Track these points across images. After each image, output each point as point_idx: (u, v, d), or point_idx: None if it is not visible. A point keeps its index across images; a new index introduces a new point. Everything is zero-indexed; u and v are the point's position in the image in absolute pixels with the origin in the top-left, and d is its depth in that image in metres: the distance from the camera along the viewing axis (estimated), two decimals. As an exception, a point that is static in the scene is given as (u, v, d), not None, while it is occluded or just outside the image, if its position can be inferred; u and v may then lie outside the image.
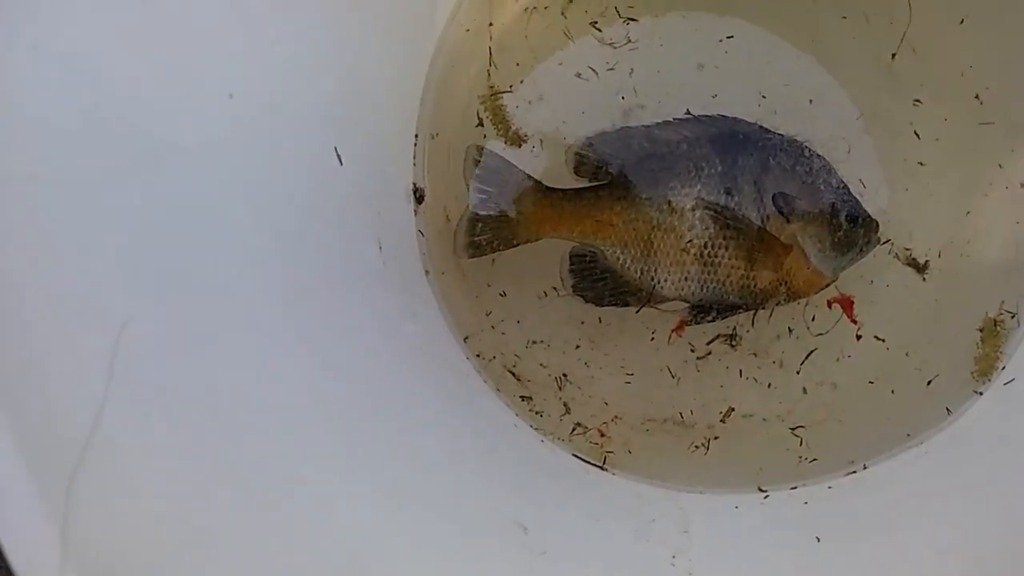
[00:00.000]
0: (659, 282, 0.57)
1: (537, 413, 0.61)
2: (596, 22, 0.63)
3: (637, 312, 0.59)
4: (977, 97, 0.60)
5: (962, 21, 0.60)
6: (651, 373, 0.62)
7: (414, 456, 0.46)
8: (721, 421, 0.61)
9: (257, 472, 0.34)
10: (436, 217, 0.63)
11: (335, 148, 0.52)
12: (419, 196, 0.63)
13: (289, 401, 0.39)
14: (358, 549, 0.38)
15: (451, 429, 0.55)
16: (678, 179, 0.57)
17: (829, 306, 0.61)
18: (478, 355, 0.62)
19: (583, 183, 0.58)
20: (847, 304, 0.61)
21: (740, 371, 0.62)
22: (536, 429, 0.60)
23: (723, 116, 0.58)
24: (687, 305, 0.59)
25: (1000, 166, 0.60)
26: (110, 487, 0.26)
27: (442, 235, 0.62)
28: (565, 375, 0.62)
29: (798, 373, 0.61)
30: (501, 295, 0.63)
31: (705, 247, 0.56)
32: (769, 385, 0.62)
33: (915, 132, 0.61)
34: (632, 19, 0.62)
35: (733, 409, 0.62)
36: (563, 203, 0.58)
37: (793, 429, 0.60)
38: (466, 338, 0.62)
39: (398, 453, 0.44)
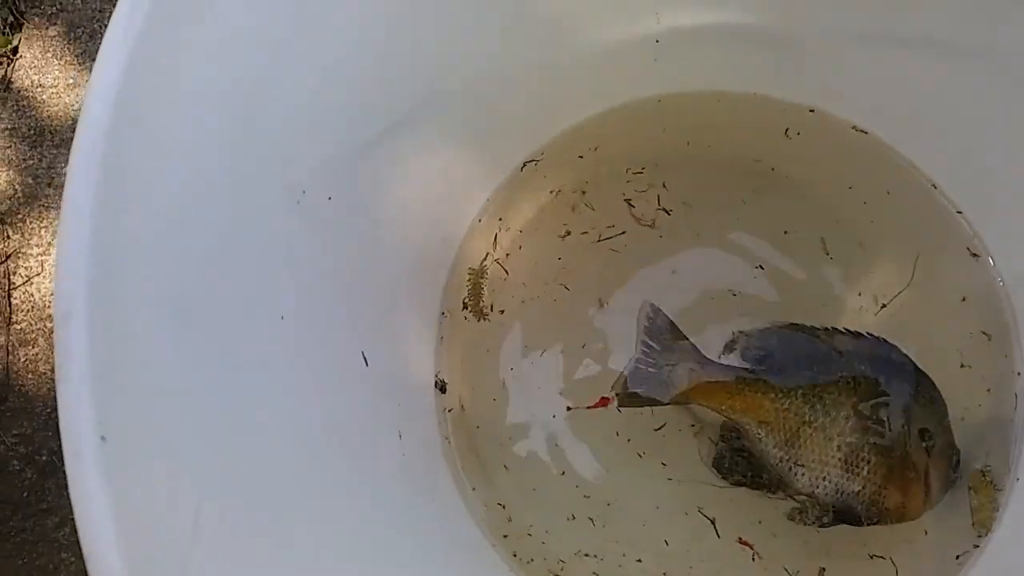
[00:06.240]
0: (797, 473, 0.60)
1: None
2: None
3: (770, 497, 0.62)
4: None
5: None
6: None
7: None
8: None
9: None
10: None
11: (362, 352, 0.59)
12: (441, 387, 0.70)
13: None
14: None
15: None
16: (836, 384, 0.61)
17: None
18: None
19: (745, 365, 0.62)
20: None
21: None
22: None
23: (883, 339, 0.63)
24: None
25: None
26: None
27: (458, 416, 0.69)
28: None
29: None
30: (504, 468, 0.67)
31: (852, 454, 0.60)
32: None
33: None
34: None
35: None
36: (721, 376, 0.61)
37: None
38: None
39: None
